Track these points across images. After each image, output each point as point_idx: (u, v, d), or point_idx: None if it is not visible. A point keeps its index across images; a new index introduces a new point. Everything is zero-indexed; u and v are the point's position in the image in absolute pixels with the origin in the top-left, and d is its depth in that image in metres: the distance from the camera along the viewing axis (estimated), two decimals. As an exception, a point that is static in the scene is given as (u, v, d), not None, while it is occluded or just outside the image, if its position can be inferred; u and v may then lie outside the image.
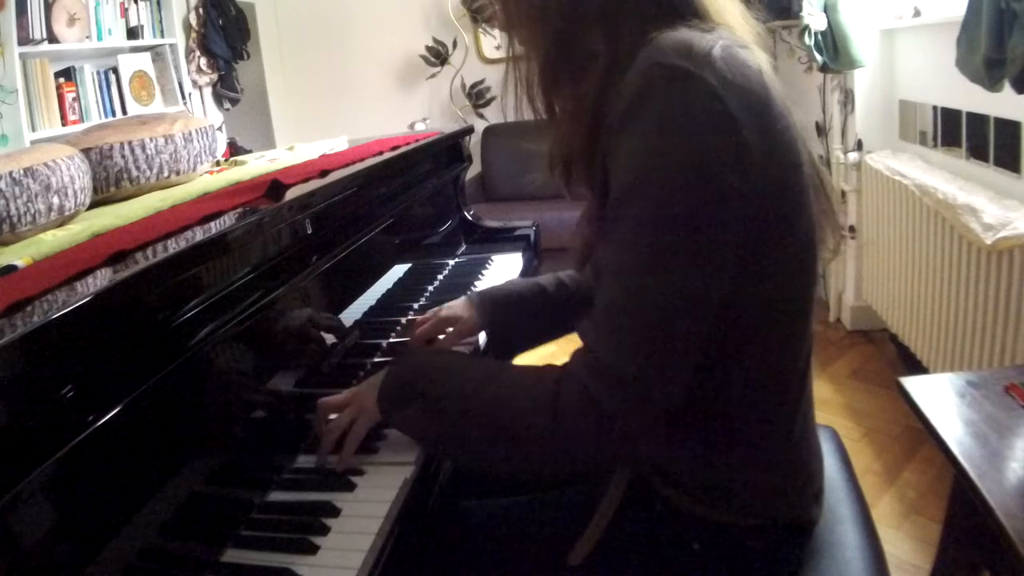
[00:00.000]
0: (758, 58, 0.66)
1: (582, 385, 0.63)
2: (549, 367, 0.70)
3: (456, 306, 1.10)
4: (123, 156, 1.14)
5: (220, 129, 3.53)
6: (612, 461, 0.74)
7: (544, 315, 1.08)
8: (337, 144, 1.62)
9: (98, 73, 3.03)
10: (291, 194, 1.05)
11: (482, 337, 1.13)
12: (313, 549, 0.71)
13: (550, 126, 0.76)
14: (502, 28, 0.77)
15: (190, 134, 1.23)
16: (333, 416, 0.86)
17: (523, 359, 1.34)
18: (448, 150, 1.78)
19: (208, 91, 3.62)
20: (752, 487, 0.73)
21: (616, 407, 0.62)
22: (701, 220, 0.60)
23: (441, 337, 1.08)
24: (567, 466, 0.80)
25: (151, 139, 1.17)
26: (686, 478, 0.75)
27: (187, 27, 3.46)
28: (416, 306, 1.36)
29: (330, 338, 1.08)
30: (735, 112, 0.60)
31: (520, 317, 1.08)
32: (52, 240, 0.88)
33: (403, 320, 1.29)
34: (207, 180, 1.26)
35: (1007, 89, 1.36)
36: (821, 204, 0.73)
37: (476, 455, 0.77)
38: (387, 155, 1.40)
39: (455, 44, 3.86)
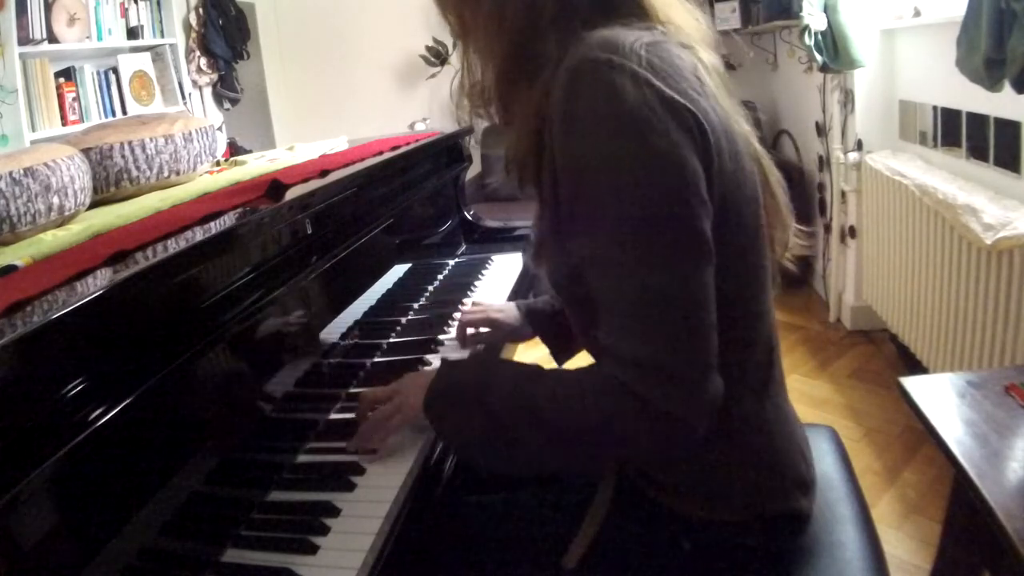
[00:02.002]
0: (697, 56, 0.68)
1: (632, 392, 0.62)
2: (589, 371, 0.70)
3: (508, 309, 1.14)
4: (123, 156, 1.14)
5: (220, 129, 3.53)
6: (674, 454, 0.73)
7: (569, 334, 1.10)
8: (337, 144, 1.62)
9: (98, 73, 3.03)
10: (291, 194, 1.05)
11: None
12: (313, 549, 0.71)
13: (506, 131, 0.76)
14: (456, 36, 0.77)
15: (190, 134, 1.23)
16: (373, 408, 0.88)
17: (520, 356, 1.33)
18: (448, 150, 1.78)
19: (208, 91, 3.62)
20: (729, 482, 0.73)
21: (670, 406, 0.61)
22: (668, 193, 0.61)
23: (484, 330, 1.13)
24: (622, 460, 0.79)
25: (151, 139, 1.17)
26: (668, 478, 0.75)
27: (187, 27, 3.46)
28: (416, 306, 1.36)
29: (330, 338, 1.08)
30: (664, 89, 0.61)
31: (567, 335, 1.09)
32: (52, 240, 0.88)
33: (403, 320, 1.29)
34: (207, 180, 1.26)
35: (1007, 89, 1.36)
36: (768, 200, 0.74)
37: (526, 461, 0.75)
38: (387, 155, 1.40)
39: (455, 44, 3.86)
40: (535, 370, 0.75)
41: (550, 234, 0.71)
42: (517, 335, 1.14)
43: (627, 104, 0.60)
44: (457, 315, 1.22)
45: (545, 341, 1.11)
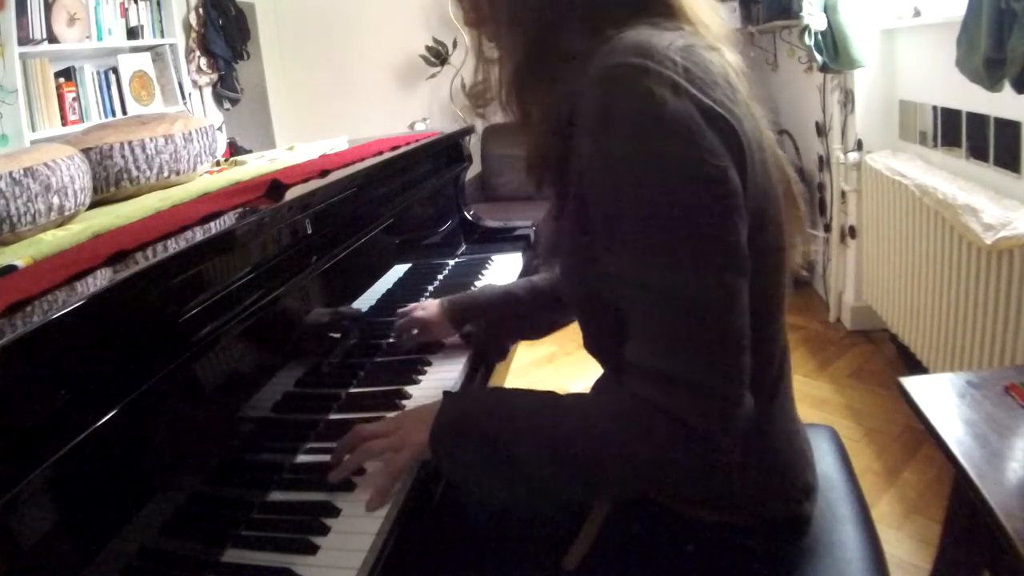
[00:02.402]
0: (725, 59, 0.66)
1: (657, 407, 0.60)
2: (610, 395, 0.68)
3: (431, 310, 1.15)
4: (123, 156, 1.14)
5: (220, 129, 3.53)
6: (709, 471, 0.66)
7: (514, 321, 1.10)
8: (337, 144, 1.62)
9: (98, 73, 3.03)
10: (291, 194, 1.05)
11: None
12: (313, 549, 0.71)
13: (523, 130, 0.73)
14: (470, 25, 0.74)
15: (190, 134, 1.23)
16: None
17: (522, 355, 1.33)
18: (448, 150, 1.78)
19: (208, 91, 3.62)
20: (737, 486, 0.72)
21: (705, 423, 0.59)
22: (706, 211, 0.59)
23: (415, 332, 1.15)
24: (668, 487, 0.74)
25: (151, 139, 1.17)
26: (685, 487, 0.75)
27: (187, 27, 3.46)
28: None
29: (330, 338, 1.08)
30: (703, 99, 0.59)
31: (490, 323, 1.12)
32: (52, 240, 0.88)
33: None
34: (207, 180, 1.26)
35: (1007, 89, 1.36)
36: (790, 209, 0.73)
37: (552, 496, 0.73)
38: (387, 155, 1.40)
39: (455, 44, 3.86)
40: (550, 400, 0.71)
41: (570, 238, 0.69)
42: (447, 331, 1.15)
43: (668, 115, 0.58)
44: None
45: (463, 338, 1.14)
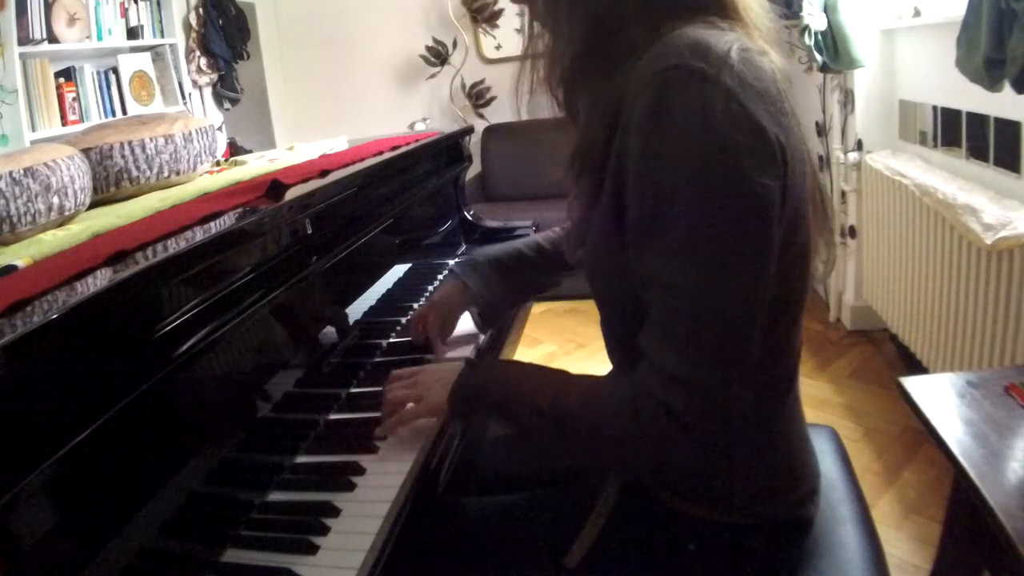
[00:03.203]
0: (774, 63, 0.65)
1: (660, 401, 0.62)
2: (619, 382, 0.70)
3: (448, 291, 1.14)
4: (123, 156, 1.14)
5: (220, 129, 3.53)
6: (704, 471, 0.72)
7: (523, 280, 1.14)
8: (337, 144, 1.62)
9: (98, 73, 3.03)
10: (291, 194, 1.05)
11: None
12: (313, 549, 0.71)
13: (568, 120, 0.74)
14: (532, 15, 0.74)
15: (190, 134, 1.23)
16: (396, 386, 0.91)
17: (522, 354, 1.33)
18: (448, 150, 1.78)
19: (208, 91, 3.62)
20: (744, 487, 0.73)
21: (705, 424, 0.61)
22: (747, 227, 0.60)
23: (431, 319, 1.14)
24: (660, 477, 0.78)
25: (151, 139, 1.17)
26: (679, 480, 0.75)
27: (187, 27, 3.46)
28: (416, 306, 1.36)
29: (330, 338, 1.08)
30: (754, 113, 0.59)
31: (504, 286, 1.14)
32: (52, 240, 0.88)
33: (403, 320, 1.29)
34: (207, 180, 1.26)
35: (1007, 89, 1.36)
36: (818, 217, 0.73)
37: (546, 458, 0.80)
38: (387, 155, 1.40)
39: (455, 44, 3.86)
40: (562, 378, 0.75)
41: (601, 229, 0.70)
42: (470, 302, 1.14)
43: (718, 125, 0.58)
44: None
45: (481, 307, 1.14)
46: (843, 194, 2.55)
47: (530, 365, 0.82)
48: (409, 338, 1.19)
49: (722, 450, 0.63)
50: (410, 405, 0.88)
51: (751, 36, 0.67)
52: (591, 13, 0.67)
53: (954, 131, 1.96)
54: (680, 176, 0.59)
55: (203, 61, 3.50)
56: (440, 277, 1.53)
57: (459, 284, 1.13)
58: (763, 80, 0.61)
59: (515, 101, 0.75)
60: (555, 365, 1.04)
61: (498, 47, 3.87)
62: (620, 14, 0.66)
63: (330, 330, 1.09)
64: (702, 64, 0.58)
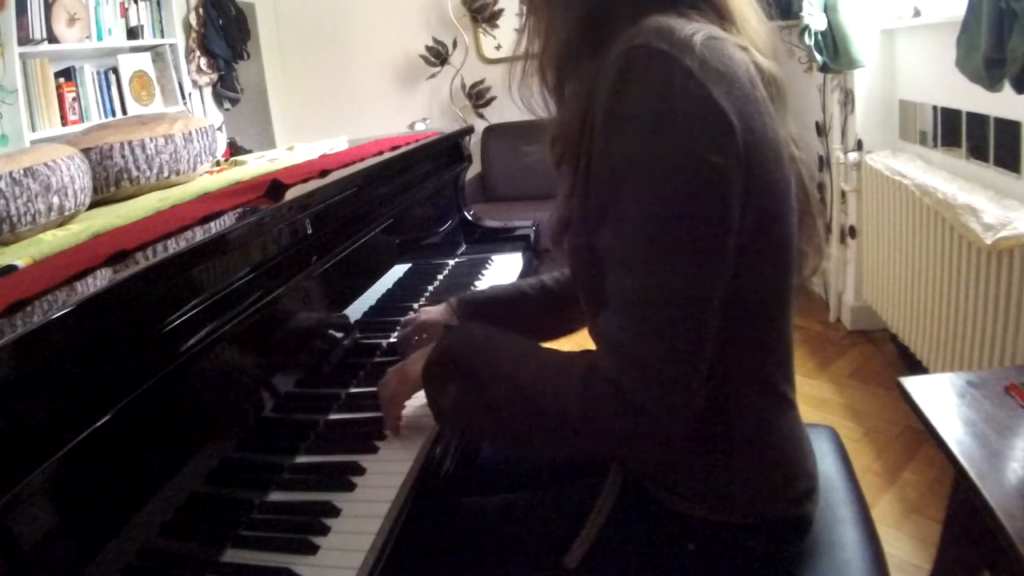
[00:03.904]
0: (754, 58, 0.66)
1: (608, 377, 0.62)
2: (579, 353, 0.70)
3: (435, 311, 1.11)
4: (123, 156, 1.14)
5: (220, 129, 3.53)
6: (643, 452, 0.73)
7: (525, 320, 1.08)
8: (337, 144, 1.62)
9: (98, 73, 3.03)
10: (291, 194, 1.05)
11: None
12: (313, 549, 0.71)
13: (555, 104, 0.75)
14: (526, 2, 0.75)
15: (190, 134, 1.24)
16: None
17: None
18: (448, 150, 1.78)
19: (208, 91, 3.61)
20: (739, 486, 0.73)
21: (643, 398, 0.61)
22: (702, 201, 0.60)
23: (416, 339, 1.10)
24: (599, 454, 0.80)
25: (151, 139, 1.17)
26: (673, 479, 0.75)
27: (187, 27, 3.46)
28: (416, 306, 1.36)
29: (330, 338, 1.08)
30: (714, 94, 0.60)
31: (501, 323, 1.09)
32: (52, 240, 0.88)
33: (403, 320, 1.29)
34: (207, 180, 1.26)
35: (1007, 89, 1.36)
36: (806, 223, 0.73)
37: (510, 437, 0.77)
38: (387, 155, 1.40)
39: (455, 44, 3.86)
40: (528, 348, 0.75)
41: (579, 217, 0.71)
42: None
43: (676, 106, 0.59)
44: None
45: None
46: (843, 194, 2.55)
47: (504, 333, 0.81)
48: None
49: (671, 436, 0.63)
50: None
51: (737, 32, 0.68)
52: (580, 5, 0.69)
53: (954, 131, 1.96)
54: (633, 149, 0.61)
55: (203, 61, 3.50)
56: (440, 277, 1.53)
57: (449, 305, 1.11)
58: (729, 66, 0.62)
59: (511, 90, 0.77)
60: (587, 349, 1.02)
61: (498, 47, 3.87)
62: (609, 7, 0.68)
63: (330, 330, 1.09)
64: (664, 45, 0.60)
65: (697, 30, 0.62)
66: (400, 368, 0.90)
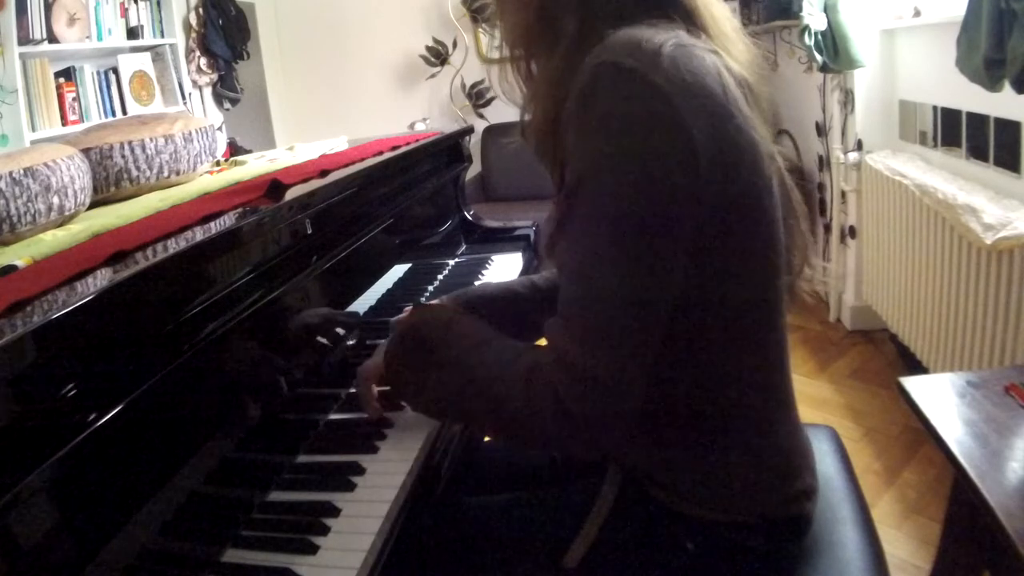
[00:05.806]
0: (726, 63, 0.66)
1: (549, 379, 0.64)
2: (529, 348, 0.73)
3: (423, 304, 1.12)
4: (123, 156, 1.14)
5: (220, 129, 3.53)
6: (580, 452, 0.77)
7: (515, 318, 1.06)
8: (337, 144, 1.62)
9: (98, 73, 3.03)
10: (291, 194, 1.05)
11: None
12: (313, 549, 0.71)
13: (526, 88, 0.77)
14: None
15: (190, 134, 1.23)
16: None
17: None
18: (448, 150, 1.78)
19: (208, 91, 3.62)
20: (737, 485, 0.73)
21: (577, 402, 0.63)
22: (648, 220, 0.61)
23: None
24: (535, 445, 0.83)
25: (151, 139, 1.17)
26: (671, 479, 0.75)
27: (187, 27, 3.46)
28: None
29: (330, 338, 1.08)
30: (681, 111, 0.60)
31: (490, 321, 1.10)
32: (52, 240, 0.88)
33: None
34: (207, 180, 1.26)
35: (1007, 89, 1.36)
36: (787, 223, 0.74)
37: (458, 414, 0.80)
38: (387, 155, 1.40)
39: (455, 44, 3.86)
40: (488, 336, 0.78)
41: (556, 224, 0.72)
42: None
43: (636, 124, 0.60)
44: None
45: None
46: (843, 194, 2.55)
47: (470, 321, 0.83)
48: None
49: (599, 441, 0.65)
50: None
51: (708, 38, 0.69)
52: (529, 6, 0.71)
53: (954, 131, 1.96)
54: (596, 167, 0.62)
55: (203, 61, 3.50)
56: (440, 277, 1.53)
57: (440, 302, 1.10)
58: (698, 75, 0.62)
59: (466, 109, 0.80)
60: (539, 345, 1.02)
61: (498, 47, 3.87)
62: (555, 9, 0.70)
63: (330, 330, 1.09)
64: (632, 61, 0.60)
65: (665, 40, 0.62)
66: (376, 351, 0.93)
